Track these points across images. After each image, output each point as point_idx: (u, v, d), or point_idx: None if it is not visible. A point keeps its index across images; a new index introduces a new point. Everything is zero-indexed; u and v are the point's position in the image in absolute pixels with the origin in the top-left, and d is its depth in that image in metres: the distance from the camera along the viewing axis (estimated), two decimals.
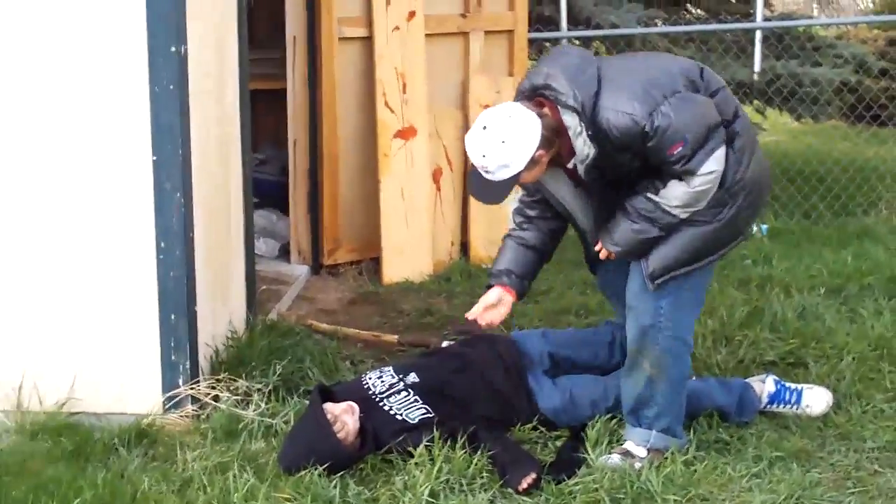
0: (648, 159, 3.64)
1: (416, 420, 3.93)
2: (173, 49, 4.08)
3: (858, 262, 6.54)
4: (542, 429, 4.11)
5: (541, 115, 3.64)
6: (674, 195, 3.65)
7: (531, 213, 4.04)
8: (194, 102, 4.24)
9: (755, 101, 9.84)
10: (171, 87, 4.10)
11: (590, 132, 3.60)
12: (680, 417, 3.97)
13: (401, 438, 3.86)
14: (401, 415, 3.96)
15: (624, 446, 3.93)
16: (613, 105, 3.57)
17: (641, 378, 3.89)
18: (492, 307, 4.01)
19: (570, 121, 3.62)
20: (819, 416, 4.25)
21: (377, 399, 4.03)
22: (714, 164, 3.60)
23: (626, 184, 3.77)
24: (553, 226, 4.06)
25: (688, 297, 3.86)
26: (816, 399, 4.28)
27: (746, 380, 4.34)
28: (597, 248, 3.90)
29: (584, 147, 3.64)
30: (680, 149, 3.55)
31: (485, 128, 3.62)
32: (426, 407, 3.98)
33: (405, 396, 4.04)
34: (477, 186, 3.73)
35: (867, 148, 9.53)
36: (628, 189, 3.77)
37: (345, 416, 3.86)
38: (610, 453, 3.90)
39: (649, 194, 3.69)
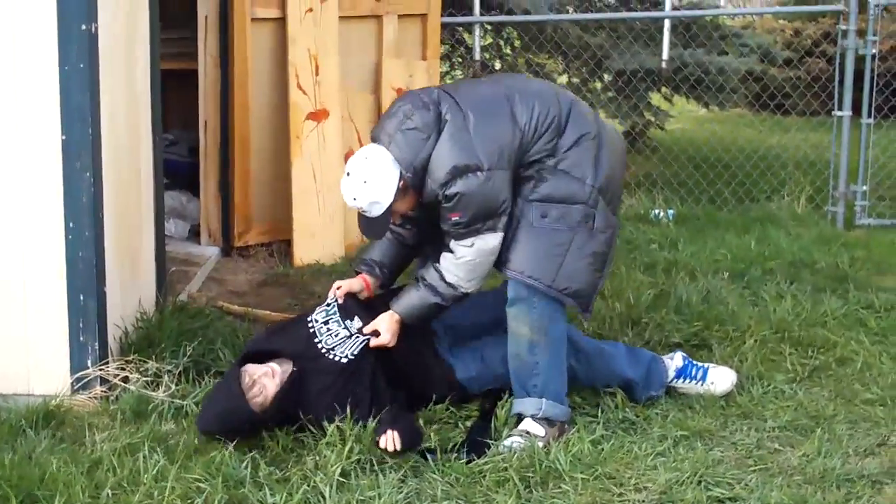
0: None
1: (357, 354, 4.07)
2: (84, 27, 4.04)
3: (761, 246, 6.72)
4: (453, 408, 4.16)
5: None
6: (446, 269, 4.04)
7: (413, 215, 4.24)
8: (105, 82, 4.20)
9: (663, 89, 9.99)
10: (82, 65, 4.05)
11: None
12: (565, 384, 4.09)
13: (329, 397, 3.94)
14: (344, 356, 4.06)
15: (521, 426, 4.01)
16: (432, 174, 3.91)
17: (525, 348, 4.01)
18: (351, 294, 4.35)
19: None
20: (723, 394, 4.37)
21: (322, 349, 4.10)
22: (479, 242, 3.97)
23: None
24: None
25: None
26: (721, 377, 4.41)
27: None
28: (367, 329, 4.16)
29: None
30: (457, 218, 3.92)
31: (348, 174, 4.01)
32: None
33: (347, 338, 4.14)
34: (362, 224, 4.07)
35: (771, 136, 9.74)
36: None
37: (264, 380, 3.88)
38: (510, 436, 3.97)
39: (437, 264, 4.07)
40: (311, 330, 4.18)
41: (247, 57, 6.34)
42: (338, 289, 4.33)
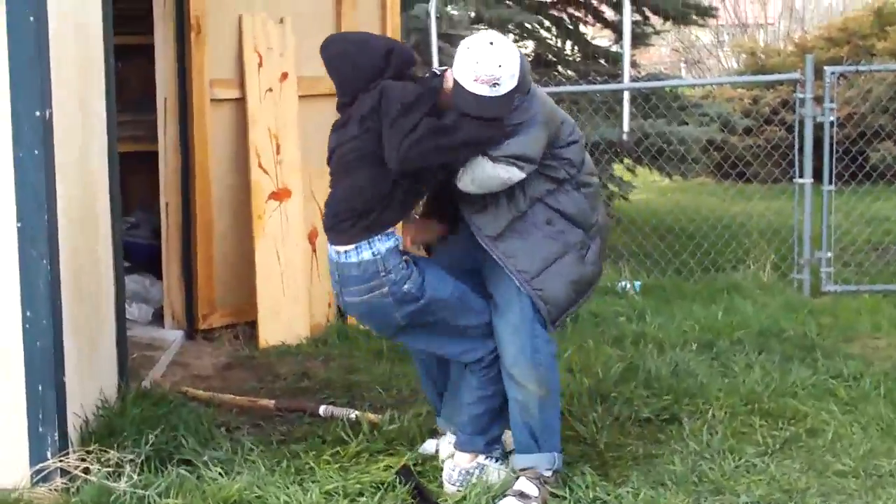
0: None
1: None
2: (38, 113, 3.99)
3: (728, 316, 6.70)
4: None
5: None
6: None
7: None
8: (60, 167, 4.14)
9: (625, 160, 10.04)
10: (36, 151, 4.00)
11: None
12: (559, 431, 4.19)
13: None
14: None
15: (517, 486, 4.01)
16: None
17: (534, 404, 4.03)
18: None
19: None
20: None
21: None
22: (504, 172, 3.90)
23: None
24: None
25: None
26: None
27: None
28: None
29: None
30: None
31: (492, 43, 3.85)
32: None
33: None
34: (479, 107, 3.83)
35: (734, 204, 9.81)
36: None
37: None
38: (505, 496, 3.97)
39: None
40: None
41: (207, 138, 6.32)
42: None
